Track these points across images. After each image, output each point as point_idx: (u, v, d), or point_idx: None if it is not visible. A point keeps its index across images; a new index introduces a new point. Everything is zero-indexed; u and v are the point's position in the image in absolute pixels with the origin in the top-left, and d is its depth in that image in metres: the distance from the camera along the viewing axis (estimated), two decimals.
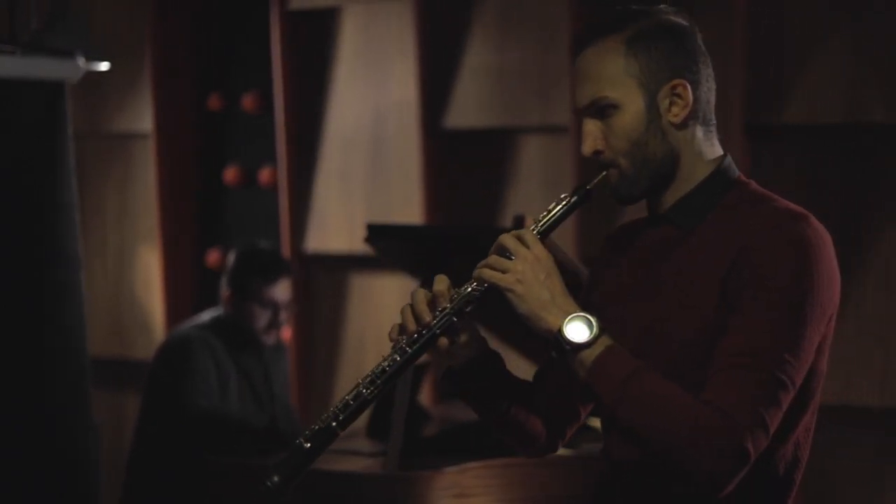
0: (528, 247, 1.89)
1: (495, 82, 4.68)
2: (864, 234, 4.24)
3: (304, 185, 5.09)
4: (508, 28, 4.68)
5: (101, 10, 5.37)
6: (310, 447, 1.94)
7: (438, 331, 1.93)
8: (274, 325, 4.11)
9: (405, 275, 4.41)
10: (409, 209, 4.78)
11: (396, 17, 4.84)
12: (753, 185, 1.99)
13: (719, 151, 1.99)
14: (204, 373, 3.97)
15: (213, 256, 5.33)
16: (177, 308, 5.28)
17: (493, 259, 1.90)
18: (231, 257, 4.23)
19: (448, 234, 3.78)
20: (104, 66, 3.53)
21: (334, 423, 1.94)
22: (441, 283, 1.93)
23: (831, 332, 1.94)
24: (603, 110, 1.93)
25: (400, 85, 4.84)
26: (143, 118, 5.34)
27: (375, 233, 3.55)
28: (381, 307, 4.95)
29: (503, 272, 1.88)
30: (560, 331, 1.86)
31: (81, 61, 3.41)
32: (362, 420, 4.34)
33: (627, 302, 1.97)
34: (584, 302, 1.96)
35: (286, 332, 5.08)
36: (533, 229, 1.93)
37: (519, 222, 3.49)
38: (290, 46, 5.04)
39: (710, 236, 1.92)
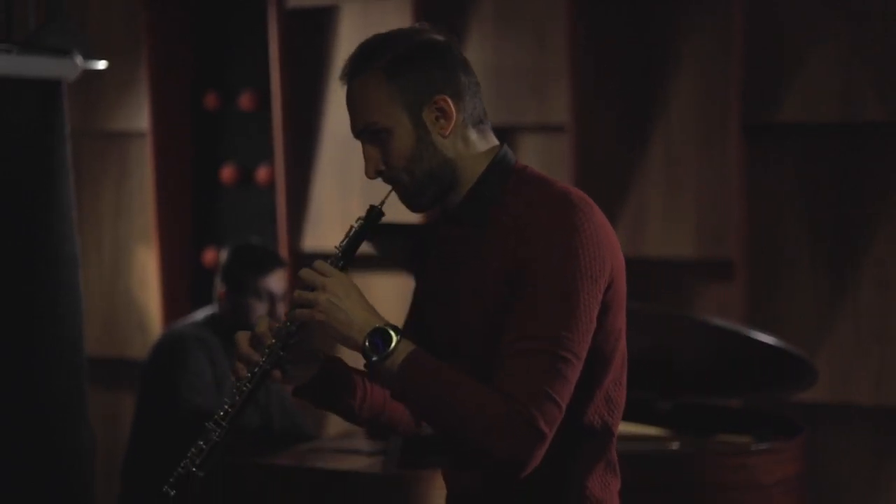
0: (324, 275, 2.03)
1: (492, 81, 4.67)
2: (861, 233, 4.25)
3: (300, 184, 5.08)
4: (505, 27, 4.68)
5: (98, 8, 5.36)
6: (175, 494, 2.09)
7: (269, 367, 2.06)
8: (271, 316, 4.11)
9: (404, 273, 4.41)
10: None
11: (394, 15, 4.84)
12: (530, 169, 2.11)
13: (494, 143, 2.13)
14: (199, 371, 3.97)
15: (209, 255, 5.33)
16: (173, 307, 5.28)
17: (297, 294, 2.04)
18: (223, 255, 4.23)
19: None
20: (101, 64, 3.52)
21: (194, 469, 2.08)
22: (262, 324, 2.07)
23: (621, 292, 2.04)
24: (377, 135, 2.07)
25: None
26: (139, 117, 5.33)
27: (374, 231, 3.54)
28: (379, 305, 4.92)
29: (308, 306, 2.01)
30: (363, 347, 2.00)
31: (78, 60, 3.40)
32: None
33: (437, 304, 2.13)
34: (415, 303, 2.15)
35: None
36: (333, 256, 2.07)
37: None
38: (288, 45, 5.04)
39: (497, 232, 2.04)
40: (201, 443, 2.08)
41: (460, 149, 2.08)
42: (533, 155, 4.66)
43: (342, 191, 5.02)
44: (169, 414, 3.98)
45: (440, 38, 2.10)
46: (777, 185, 4.35)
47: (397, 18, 4.82)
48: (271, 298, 4.10)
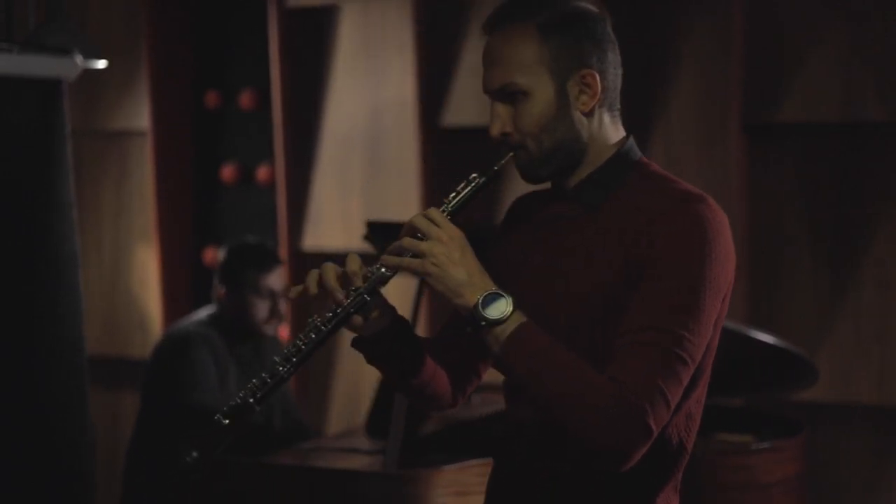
0: (438, 226, 1.92)
1: None
2: (861, 233, 4.25)
3: (301, 183, 5.08)
4: None
5: (98, 7, 5.36)
6: (228, 423, 1.97)
7: (352, 310, 1.95)
8: (274, 314, 4.11)
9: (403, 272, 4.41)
10: (406, 207, 4.78)
11: (394, 14, 4.83)
12: (654, 165, 2.04)
13: (622, 134, 2.04)
14: (203, 369, 3.97)
15: (209, 254, 5.33)
16: (174, 306, 5.28)
17: (406, 241, 1.93)
18: (220, 255, 4.22)
19: None
20: (101, 63, 3.52)
21: (252, 400, 1.96)
22: (353, 262, 1.96)
23: (725, 310, 1.98)
24: (512, 95, 1.96)
25: (397, 82, 4.84)
26: (139, 116, 5.33)
27: (375, 230, 3.55)
28: None
29: (417, 255, 1.91)
30: (475, 307, 1.89)
31: (79, 59, 3.40)
32: (362, 418, 4.34)
33: (529, 279, 2.01)
34: (493, 275, 1.99)
35: (283, 330, 5.08)
36: (443, 210, 1.95)
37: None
38: (288, 44, 5.03)
39: (612, 216, 1.97)
40: (265, 376, 1.96)
41: (594, 129, 1.99)
42: None
43: (342, 190, 5.02)
44: (173, 412, 3.98)
45: (595, 9, 2.00)
46: (777, 185, 4.35)
47: (397, 18, 4.82)
48: (272, 296, 4.10)
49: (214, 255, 5.28)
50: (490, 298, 1.90)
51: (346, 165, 5.00)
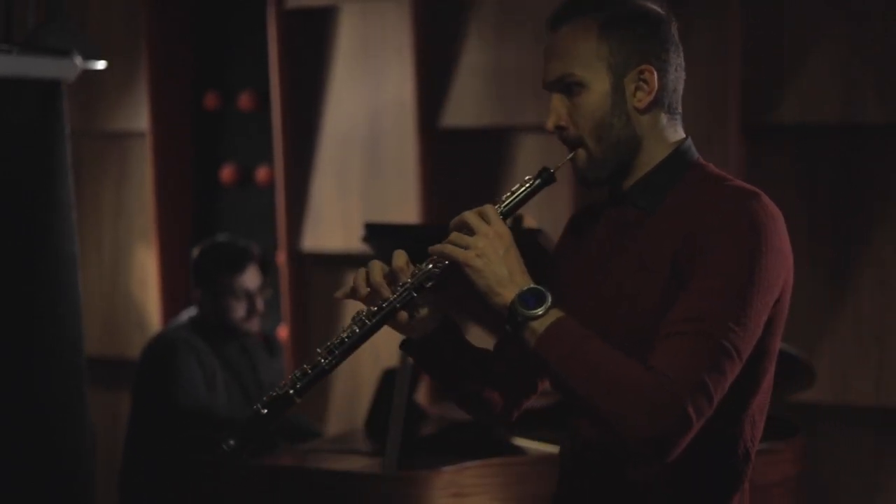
0: (489, 223, 1.93)
1: (491, 81, 4.67)
2: (861, 234, 4.25)
3: (300, 184, 5.08)
4: (505, 27, 4.68)
5: (98, 8, 5.36)
6: (266, 413, 1.96)
7: (398, 304, 1.96)
8: (252, 312, 4.10)
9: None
10: (405, 208, 4.78)
11: (393, 16, 4.84)
12: (711, 167, 2.03)
13: (681, 136, 2.04)
14: (189, 374, 3.95)
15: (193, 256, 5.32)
16: (173, 306, 5.28)
17: (455, 235, 1.94)
18: (192, 257, 4.20)
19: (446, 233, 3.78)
20: (101, 64, 3.52)
21: (291, 391, 1.96)
22: (400, 258, 1.97)
23: (784, 313, 1.97)
24: (570, 87, 1.98)
25: (396, 84, 4.84)
26: (139, 117, 5.33)
27: (373, 232, 3.55)
28: None
29: (464, 248, 1.92)
30: (513, 303, 1.89)
31: (78, 60, 3.40)
32: (360, 419, 4.34)
33: (592, 281, 2.01)
34: (549, 282, 1.99)
35: (282, 331, 5.08)
36: (497, 208, 1.97)
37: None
38: (287, 45, 5.03)
39: (668, 217, 1.96)
40: (307, 367, 1.97)
41: (649, 129, 1.99)
42: (533, 155, 4.66)
43: (341, 191, 5.02)
44: (163, 420, 3.97)
45: (660, 10, 2.01)
46: (776, 186, 4.35)
47: (396, 19, 4.82)
48: (248, 295, 4.07)
49: None
50: (529, 294, 1.89)
51: (346, 166, 5.00)
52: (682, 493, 1.94)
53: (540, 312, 1.88)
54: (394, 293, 1.96)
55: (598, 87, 1.96)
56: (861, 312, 4.25)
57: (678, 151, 2.01)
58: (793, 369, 3.67)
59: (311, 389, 1.99)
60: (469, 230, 1.94)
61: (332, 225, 5.04)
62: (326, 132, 5.04)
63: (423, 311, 2.01)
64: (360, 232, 3.59)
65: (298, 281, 5.10)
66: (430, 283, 1.96)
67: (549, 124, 2.01)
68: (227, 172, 5.32)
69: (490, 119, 4.70)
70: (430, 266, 1.96)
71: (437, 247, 1.95)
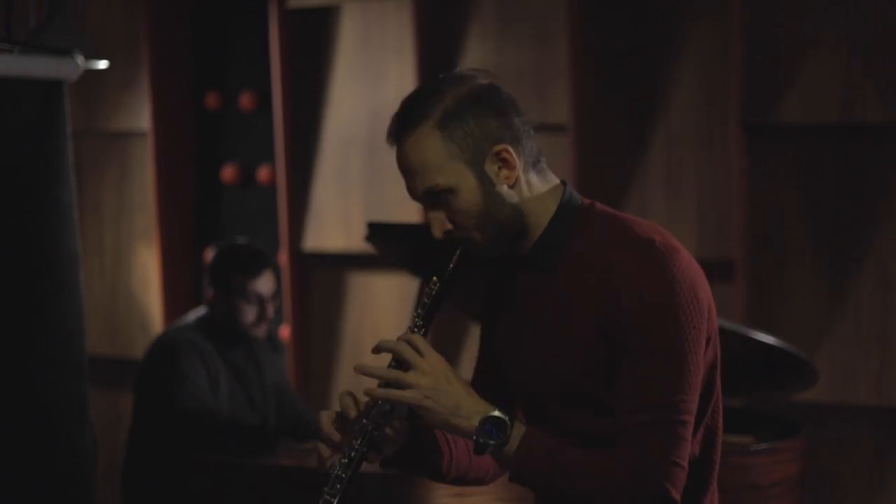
0: (422, 355, 1.96)
1: None
2: (861, 234, 4.25)
3: (301, 184, 5.09)
4: (506, 27, 4.68)
5: (99, 8, 5.37)
6: None
7: (366, 449, 2.00)
8: (262, 318, 4.08)
9: (404, 273, 4.41)
10: (406, 208, 4.78)
11: (395, 16, 4.84)
12: (598, 206, 2.04)
13: (555, 181, 2.04)
14: (193, 375, 3.94)
15: (210, 255, 5.33)
16: (174, 306, 5.28)
17: (394, 375, 1.96)
18: (210, 255, 4.19)
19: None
20: (102, 64, 3.52)
21: None
22: (344, 401, 2.00)
23: (714, 326, 1.99)
24: (439, 196, 1.98)
25: (398, 84, 4.84)
26: (140, 116, 5.34)
27: (376, 231, 3.55)
28: (379, 306, 4.95)
29: (407, 387, 1.95)
30: (476, 439, 1.94)
31: (80, 60, 3.39)
32: None
33: (521, 344, 2.05)
34: (488, 329, 2.08)
35: (284, 330, 5.08)
36: (415, 329, 2.00)
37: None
38: (288, 45, 5.04)
39: (576, 273, 1.98)
40: None
41: (525, 194, 1.99)
42: None
43: (343, 191, 5.02)
44: (166, 420, 3.97)
45: (486, 83, 1.99)
46: (778, 186, 4.35)
47: (397, 19, 4.83)
48: (260, 300, 4.06)
49: None
50: (489, 424, 1.94)
51: (347, 166, 5.00)
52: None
53: (503, 439, 1.93)
54: (356, 438, 1.99)
55: (465, 185, 1.96)
56: (862, 312, 4.25)
57: (563, 202, 2.01)
58: (794, 369, 3.67)
59: None
60: (405, 363, 1.96)
61: (334, 225, 5.04)
62: (328, 132, 5.05)
63: (389, 432, 2.03)
64: (361, 231, 3.59)
65: (300, 281, 5.10)
66: (384, 421, 2.00)
67: (436, 234, 2.01)
68: (228, 172, 5.33)
69: None
70: (381, 404, 1.98)
71: (380, 392, 1.96)
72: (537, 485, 1.97)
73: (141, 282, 5.41)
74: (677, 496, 1.91)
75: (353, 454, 1.99)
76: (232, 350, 4.08)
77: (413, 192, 2.02)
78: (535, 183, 2.01)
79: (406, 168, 2.00)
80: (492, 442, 1.94)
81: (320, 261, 5.11)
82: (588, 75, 4.55)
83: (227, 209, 5.39)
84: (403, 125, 1.98)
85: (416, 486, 3.18)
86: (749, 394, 3.99)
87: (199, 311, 4.19)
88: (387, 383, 1.97)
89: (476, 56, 4.71)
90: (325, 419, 2.01)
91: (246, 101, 5.27)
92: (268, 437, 4.00)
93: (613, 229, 1.99)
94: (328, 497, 2.00)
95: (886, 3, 4.15)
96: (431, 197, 1.99)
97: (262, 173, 5.26)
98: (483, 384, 2.11)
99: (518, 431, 1.94)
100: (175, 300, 5.31)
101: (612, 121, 4.56)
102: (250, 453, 3.80)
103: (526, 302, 2.04)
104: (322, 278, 5.11)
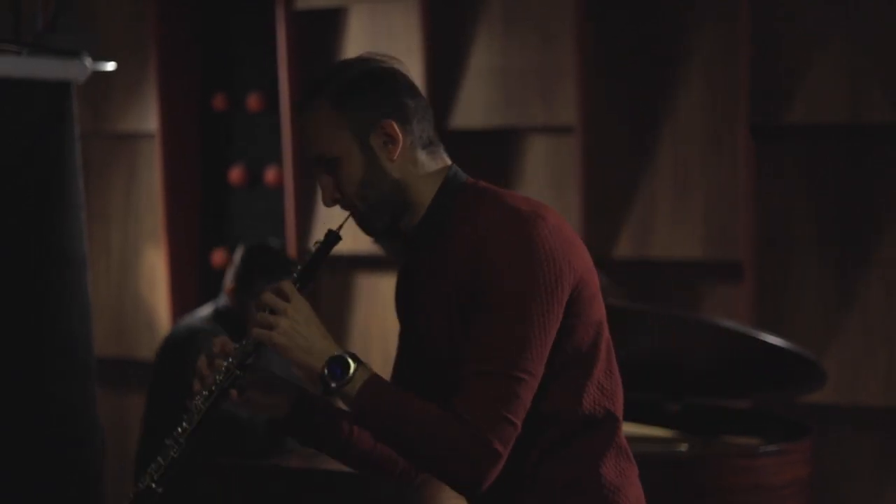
0: (287, 300, 2.09)
1: (500, 83, 4.68)
2: (868, 233, 4.25)
3: (309, 185, 5.09)
4: (513, 29, 4.68)
5: (106, 9, 5.37)
6: None
7: (226, 386, 2.14)
8: None
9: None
10: None
11: (402, 17, 4.84)
12: (482, 184, 2.16)
13: (445, 163, 2.18)
14: None
15: (217, 256, 5.33)
16: (181, 307, 5.28)
17: (260, 316, 2.10)
18: (239, 252, 4.22)
19: None
20: (110, 66, 3.52)
21: (153, 484, 2.16)
22: (217, 344, 2.16)
23: (592, 285, 2.09)
24: (328, 164, 2.13)
25: None
26: (147, 118, 5.34)
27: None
28: (387, 307, 4.95)
29: (269, 328, 2.08)
30: (322, 376, 2.06)
31: (88, 61, 3.40)
32: None
33: (412, 320, 2.19)
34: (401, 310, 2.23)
35: None
36: (293, 281, 2.13)
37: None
38: (296, 46, 5.04)
39: (455, 247, 2.10)
40: (160, 459, 2.18)
41: (410, 171, 2.13)
42: (541, 156, 4.66)
43: None
44: (183, 407, 3.97)
45: (384, 65, 2.15)
46: (784, 187, 4.35)
47: (405, 19, 4.83)
48: None
49: (223, 257, 5.28)
50: (335, 364, 2.05)
51: None
52: (557, 462, 2.11)
53: (346, 378, 2.04)
54: (219, 375, 2.14)
55: (350, 155, 2.11)
56: (869, 312, 4.25)
57: (446, 180, 2.14)
58: (802, 370, 3.67)
59: (170, 478, 2.15)
60: (270, 309, 2.09)
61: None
62: None
63: (256, 387, 2.17)
64: None
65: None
66: (249, 360, 2.14)
67: (324, 202, 2.16)
68: (235, 173, 5.33)
69: (499, 120, 4.70)
70: (245, 343, 2.13)
71: (249, 332, 2.11)
72: (376, 429, 2.06)
73: (148, 283, 5.41)
74: (502, 449, 2.00)
75: (213, 387, 2.14)
76: None
77: (309, 156, 2.16)
78: (423, 162, 2.14)
79: (304, 135, 2.15)
80: (334, 383, 2.03)
81: (328, 263, 5.10)
82: (594, 76, 4.55)
83: (235, 210, 5.39)
84: (304, 97, 2.14)
85: (425, 490, 3.18)
86: (757, 395, 3.99)
87: (213, 303, 4.21)
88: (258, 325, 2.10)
89: (483, 57, 4.71)
90: (202, 360, 2.17)
91: (253, 102, 5.27)
92: (273, 437, 4.00)
93: (486, 202, 2.10)
94: (185, 425, 2.17)
95: (893, 5, 4.15)
96: (322, 164, 2.13)
97: (270, 175, 5.27)
98: (400, 361, 2.25)
99: (363, 375, 2.05)
100: (182, 301, 5.32)
101: (618, 122, 4.56)
102: (262, 449, 3.81)
103: (413, 280, 2.18)
104: (329, 280, 5.11)
